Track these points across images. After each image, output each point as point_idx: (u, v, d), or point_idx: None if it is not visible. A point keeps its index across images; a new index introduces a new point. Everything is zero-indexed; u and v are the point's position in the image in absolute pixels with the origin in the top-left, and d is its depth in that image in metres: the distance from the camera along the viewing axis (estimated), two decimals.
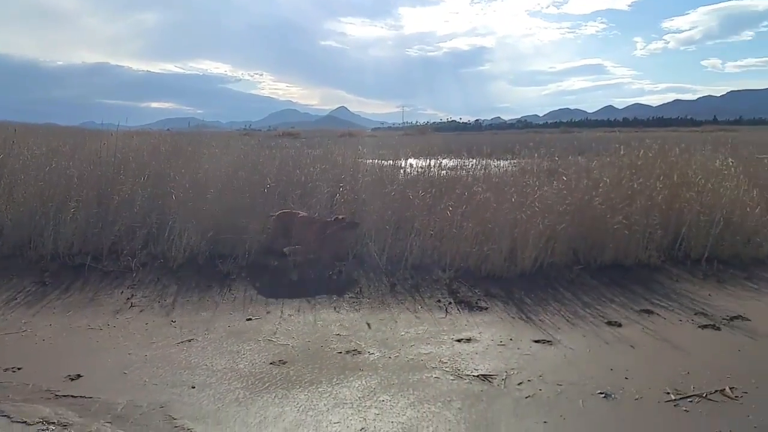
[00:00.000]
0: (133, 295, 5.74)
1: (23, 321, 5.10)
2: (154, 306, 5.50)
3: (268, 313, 5.32)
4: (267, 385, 3.85)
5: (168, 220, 6.90)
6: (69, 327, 4.97)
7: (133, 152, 9.02)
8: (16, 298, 5.66)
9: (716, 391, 3.72)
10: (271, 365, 4.17)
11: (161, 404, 3.59)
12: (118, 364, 4.19)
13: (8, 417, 3.45)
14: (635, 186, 7.25)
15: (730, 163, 8.32)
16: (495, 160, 11.15)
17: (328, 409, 3.51)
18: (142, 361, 4.26)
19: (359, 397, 3.65)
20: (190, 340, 4.64)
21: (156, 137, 11.73)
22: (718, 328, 4.93)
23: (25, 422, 3.40)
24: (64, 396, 3.71)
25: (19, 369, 4.11)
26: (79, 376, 3.99)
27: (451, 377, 3.95)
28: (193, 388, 3.82)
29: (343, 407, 3.53)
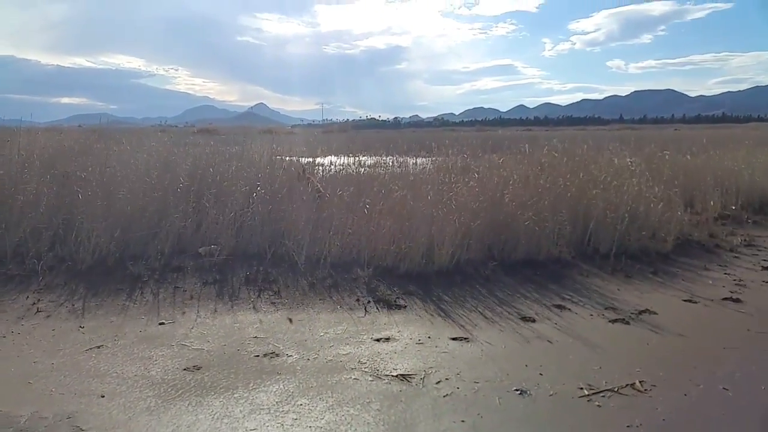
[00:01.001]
0: (39, 300, 5.44)
1: None
2: (61, 311, 5.22)
3: (182, 314, 5.18)
4: (180, 392, 3.75)
5: (75, 221, 6.56)
6: None
7: (39, 150, 8.51)
8: None
9: (627, 385, 3.89)
10: (185, 371, 4.06)
11: (68, 415, 3.43)
12: (22, 374, 3.97)
13: None
14: (544, 183, 7.58)
15: (633, 161, 8.85)
16: (413, 158, 11.32)
17: (245, 415, 3.47)
18: (48, 369, 4.05)
19: (276, 402, 3.63)
20: (99, 347, 4.45)
21: (64, 134, 11.12)
22: (628, 323, 5.15)
23: None
24: None
25: None
26: None
27: (370, 378, 3.98)
28: (103, 397, 3.67)
29: (259, 413, 3.50)
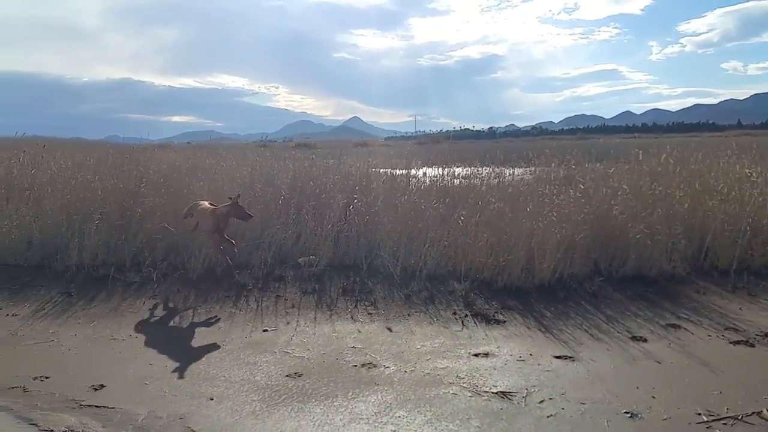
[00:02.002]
0: (154, 306, 5.84)
1: (50, 331, 5.22)
2: (174, 317, 5.57)
3: (284, 323, 5.35)
4: (283, 398, 3.87)
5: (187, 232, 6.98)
6: (93, 337, 5.07)
7: (155, 165, 9.17)
8: (44, 309, 5.80)
9: (753, 413, 3.56)
10: (287, 377, 4.19)
11: (180, 416, 3.64)
12: (139, 375, 4.26)
13: (36, 425, 3.54)
14: (656, 194, 7.12)
15: (755, 170, 8.10)
16: (509, 168, 11.07)
17: (344, 424, 3.51)
18: (162, 371, 4.32)
19: (375, 413, 3.65)
20: (209, 351, 4.69)
21: (176, 150, 11.92)
22: (752, 345, 4.71)
23: (51, 431, 3.48)
24: (89, 406, 3.79)
25: (46, 378, 4.22)
26: (102, 386, 4.07)
27: (469, 394, 3.90)
28: (212, 400, 3.85)
29: (359, 423, 3.53)
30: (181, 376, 4.23)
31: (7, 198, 7.83)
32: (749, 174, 8.03)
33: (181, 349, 4.76)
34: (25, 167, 9.11)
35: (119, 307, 5.81)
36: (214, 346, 4.80)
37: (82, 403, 3.83)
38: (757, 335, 4.90)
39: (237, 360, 4.51)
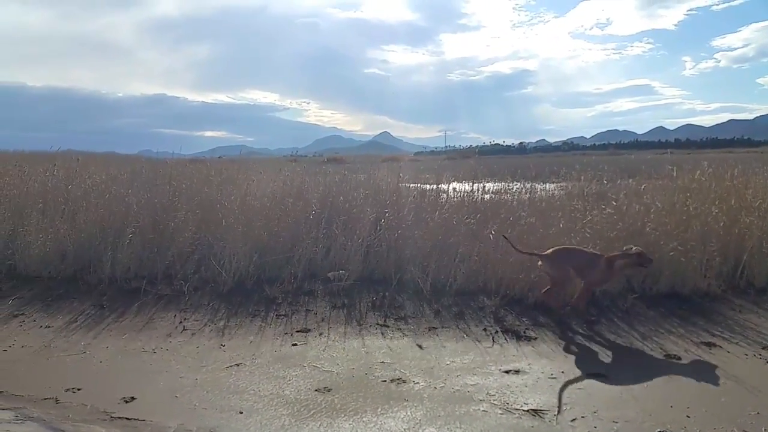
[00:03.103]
0: (185, 319, 5.87)
1: (83, 343, 5.30)
2: (204, 330, 5.60)
3: (314, 338, 5.35)
4: (312, 412, 3.86)
5: (218, 246, 7.06)
6: (124, 349, 5.13)
7: (187, 180, 9.32)
8: (77, 321, 5.89)
9: None
10: (317, 392, 4.18)
11: (210, 429, 3.65)
12: (170, 388, 4.29)
13: None
14: (690, 210, 6.99)
15: None
16: (541, 184, 10.97)
17: None
18: (192, 384, 4.35)
19: (404, 429, 3.61)
20: (238, 365, 4.71)
21: (208, 165, 12.11)
22: None
23: None
24: (119, 418, 3.83)
25: (78, 390, 4.28)
26: (133, 398, 4.11)
27: (500, 411, 3.85)
28: (241, 413, 3.86)
29: None
30: (211, 389, 4.25)
31: (43, 212, 7.99)
32: None
33: (211, 362, 4.79)
34: (60, 181, 9.32)
35: (151, 320, 5.88)
36: (243, 360, 4.82)
37: (113, 415, 3.87)
38: None
39: (266, 374, 4.53)
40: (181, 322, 5.80)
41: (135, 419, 3.80)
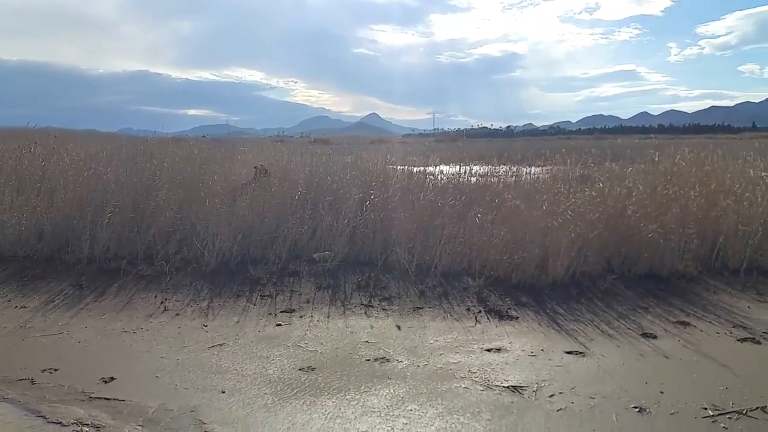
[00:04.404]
0: (167, 299, 5.82)
1: (60, 323, 5.22)
2: (186, 310, 5.56)
3: (298, 318, 5.35)
4: (295, 391, 3.87)
5: (201, 226, 7.00)
6: (104, 330, 5.06)
7: (168, 158, 9.20)
8: (55, 301, 5.80)
9: (757, 407, 3.58)
10: (300, 371, 4.19)
11: (191, 408, 3.64)
12: (150, 368, 4.26)
13: (44, 417, 3.54)
14: (670, 194, 7.09)
15: None
16: (526, 167, 11.04)
17: (356, 417, 3.51)
18: (174, 364, 4.32)
19: (387, 406, 3.64)
20: (221, 345, 4.69)
21: (191, 144, 11.97)
22: (759, 342, 4.74)
23: (60, 423, 3.48)
24: (98, 398, 3.79)
25: (55, 370, 4.22)
26: (112, 378, 4.07)
27: (481, 388, 3.90)
28: (223, 392, 3.86)
29: (371, 416, 3.53)
30: (192, 369, 4.23)
31: (18, 189, 7.81)
32: (764, 175, 7.96)
33: (193, 343, 4.76)
34: (37, 158, 9.10)
35: (131, 300, 5.81)
36: (226, 340, 4.80)
37: (92, 395, 3.83)
38: (763, 333, 4.94)
39: (250, 353, 4.52)
40: (162, 302, 5.74)
41: (114, 399, 3.76)
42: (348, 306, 5.65)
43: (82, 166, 8.37)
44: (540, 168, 10.80)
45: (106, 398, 3.79)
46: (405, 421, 3.46)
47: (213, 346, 4.66)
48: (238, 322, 5.26)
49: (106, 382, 4.03)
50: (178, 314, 5.46)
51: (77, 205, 7.35)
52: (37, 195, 7.71)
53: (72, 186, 7.66)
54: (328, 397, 3.78)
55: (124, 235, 7.11)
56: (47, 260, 6.91)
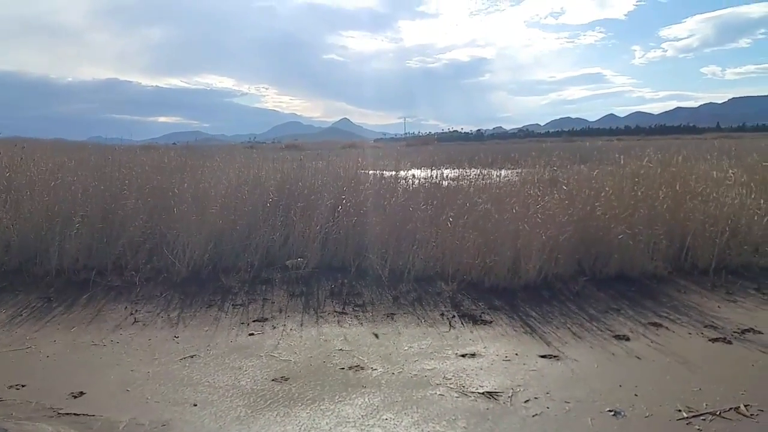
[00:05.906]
0: (136, 310, 5.70)
1: (28, 337, 5.07)
2: (157, 321, 5.46)
3: (271, 327, 5.30)
4: (269, 402, 3.82)
5: (171, 235, 6.89)
6: (73, 343, 4.94)
7: (138, 167, 9.06)
8: (21, 314, 5.64)
9: (730, 408, 3.62)
10: (273, 382, 4.14)
11: (163, 422, 3.57)
12: (120, 381, 4.17)
13: None
14: (638, 195, 7.21)
15: (734, 171, 8.27)
16: (497, 170, 11.13)
17: (331, 428, 3.48)
18: (144, 377, 4.23)
19: (362, 416, 3.62)
20: (192, 356, 4.61)
21: (160, 151, 11.82)
22: (730, 342, 4.80)
23: None
24: (67, 414, 3.68)
25: (23, 386, 4.09)
26: (82, 393, 3.97)
27: (456, 394, 3.90)
28: (195, 405, 3.79)
29: (345, 426, 3.50)
30: (164, 382, 4.14)
31: None
32: (730, 175, 8.17)
33: (164, 355, 4.67)
34: (3, 169, 8.91)
35: (100, 312, 5.68)
36: (198, 351, 4.72)
37: (60, 411, 3.72)
38: (734, 332, 5.01)
39: (222, 365, 4.45)
40: (132, 313, 5.63)
41: (84, 415, 3.67)
42: (321, 314, 5.61)
43: (49, 176, 8.18)
44: (510, 171, 10.90)
45: (75, 414, 3.69)
46: (380, 431, 3.44)
47: (184, 358, 4.59)
48: (209, 332, 5.18)
49: (75, 397, 3.93)
50: (147, 325, 5.36)
51: (45, 216, 7.16)
52: (3, 206, 7.50)
53: (39, 196, 7.46)
54: (302, 408, 3.74)
55: (93, 246, 6.95)
56: (14, 272, 6.71)
